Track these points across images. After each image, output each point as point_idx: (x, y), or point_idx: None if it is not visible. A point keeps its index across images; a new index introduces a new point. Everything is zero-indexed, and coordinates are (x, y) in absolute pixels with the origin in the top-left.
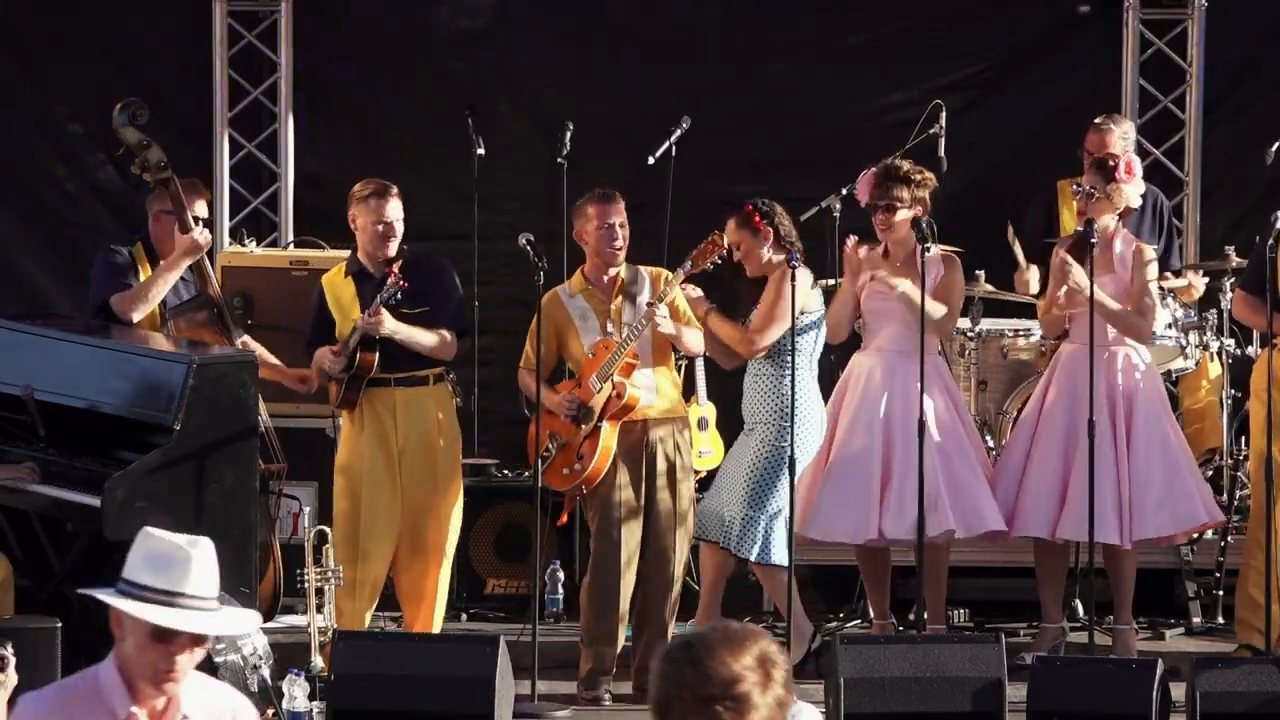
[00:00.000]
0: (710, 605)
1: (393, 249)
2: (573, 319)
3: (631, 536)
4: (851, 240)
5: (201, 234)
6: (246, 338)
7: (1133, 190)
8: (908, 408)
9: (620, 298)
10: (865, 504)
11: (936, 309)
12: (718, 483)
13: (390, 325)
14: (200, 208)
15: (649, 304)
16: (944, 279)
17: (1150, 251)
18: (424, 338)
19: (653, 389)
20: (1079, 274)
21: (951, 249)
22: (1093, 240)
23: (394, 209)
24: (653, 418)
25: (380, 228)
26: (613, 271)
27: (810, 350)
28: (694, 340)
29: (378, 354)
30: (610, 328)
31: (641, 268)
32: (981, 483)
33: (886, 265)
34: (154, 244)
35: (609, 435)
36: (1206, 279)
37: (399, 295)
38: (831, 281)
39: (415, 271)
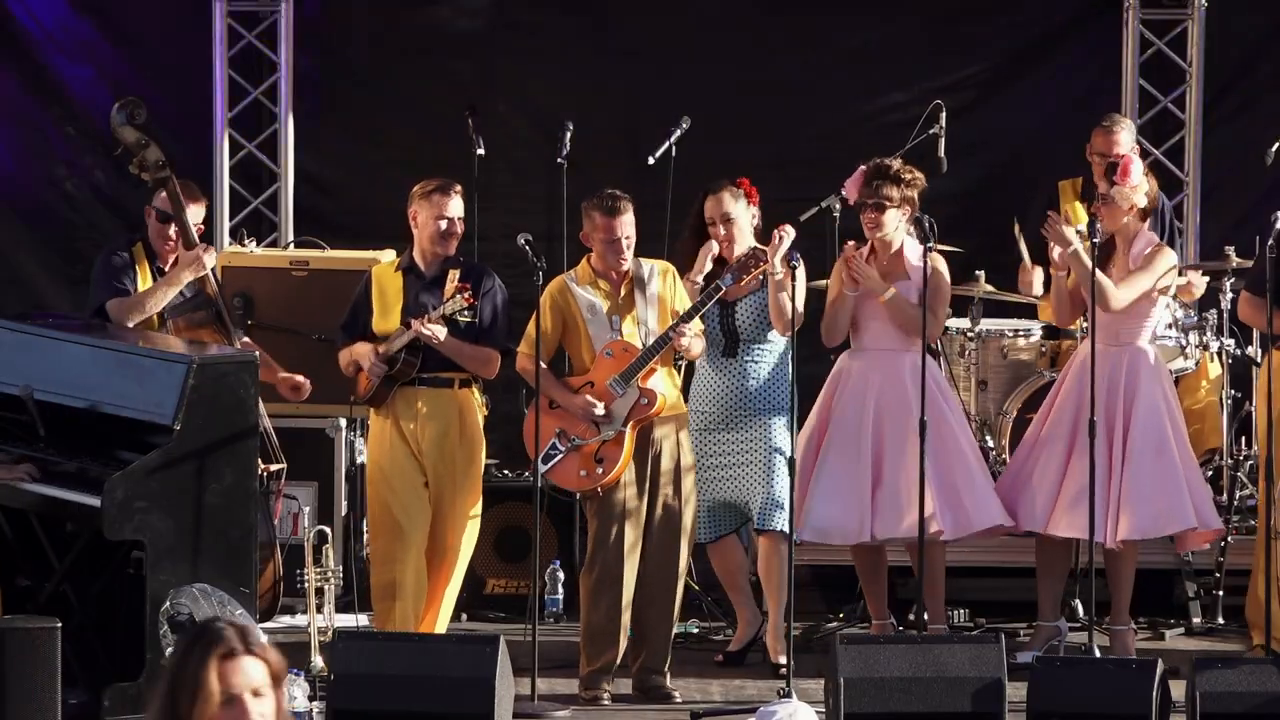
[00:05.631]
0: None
1: (453, 248)
2: (580, 311)
3: (632, 535)
4: (850, 245)
5: (207, 252)
6: (246, 339)
7: (1132, 191)
8: (899, 407)
9: (630, 292)
10: (858, 506)
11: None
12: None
13: (442, 337)
14: (196, 212)
15: (675, 328)
16: (929, 280)
17: (1169, 254)
18: (467, 351)
19: (661, 387)
20: (1069, 232)
21: (951, 249)
22: (1095, 240)
23: (456, 206)
24: (657, 415)
25: (442, 224)
26: (626, 263)
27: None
28: (701, 347)
29: (420, 359)
30: (619, 323)
31: (645, 261)
32: (975, 482)
33: (874, 264)
34: (152, 243)
35: (631, 441)
36: (1207, 278)
37: (469, 314)
38: (823, 283)
39: (465, 281)
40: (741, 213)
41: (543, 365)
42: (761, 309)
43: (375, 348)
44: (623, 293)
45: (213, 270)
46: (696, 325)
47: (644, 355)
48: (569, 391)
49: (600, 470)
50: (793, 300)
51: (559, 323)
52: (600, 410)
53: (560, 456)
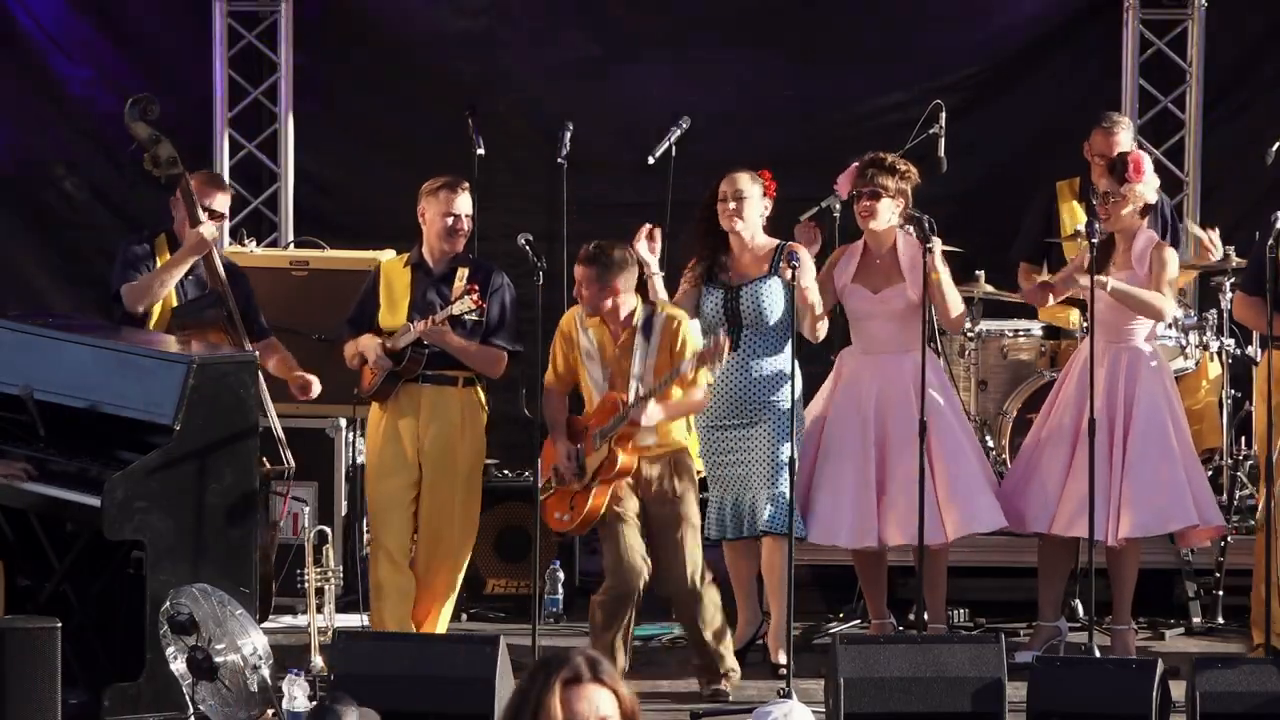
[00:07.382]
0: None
1: (461, 245)
2: (581, 355)
3: (638, 564)
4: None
5: (208, 229)
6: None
7: (1145, 187)
8: (901, 409)
9: (630, 339)
10: (863, 509)
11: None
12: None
13: (448, 339)
14: (220, 201)
15: (633, 402)
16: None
17: (1171, 250)
18: (473, 351)
19: (652, 428)
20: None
21: (951, 249)
22: (1093, 240)
23: (464, 203)
24: (647, 456)
25: (449, 221)
26: (625, 311)
27: None
28: (696, 407)
29: (425, 356)
30: (609, 376)
31: (659, 308)
32: (977, 483)
33: (868, 262)
34: (176, 233)
35: (598, 497)
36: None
37: (476, 314)
38: None
39: (474, 280)
40: (754, 196)
41: (557, 399)
42: (763, 295)
43: (381, 342)
44: (622, 339)
45: (223, 269)
46: (653, 408)
47: (615, 421)
48: (562, 433)
49: (569, 517)
50: (791, 299)
51: (573, 356)
52: (569, 459)
53: (550, 493)
